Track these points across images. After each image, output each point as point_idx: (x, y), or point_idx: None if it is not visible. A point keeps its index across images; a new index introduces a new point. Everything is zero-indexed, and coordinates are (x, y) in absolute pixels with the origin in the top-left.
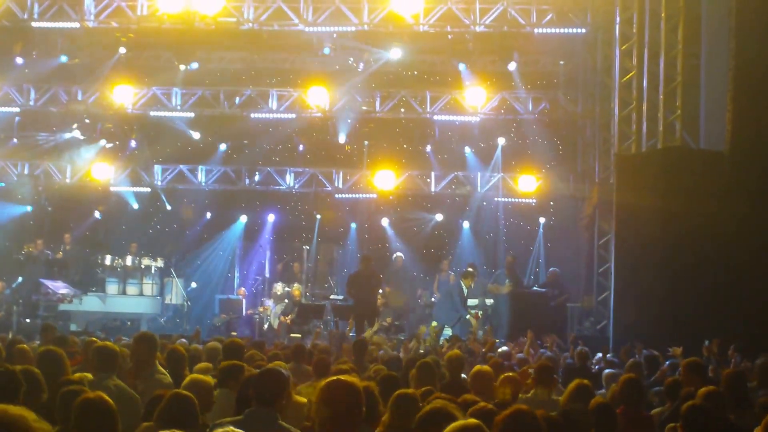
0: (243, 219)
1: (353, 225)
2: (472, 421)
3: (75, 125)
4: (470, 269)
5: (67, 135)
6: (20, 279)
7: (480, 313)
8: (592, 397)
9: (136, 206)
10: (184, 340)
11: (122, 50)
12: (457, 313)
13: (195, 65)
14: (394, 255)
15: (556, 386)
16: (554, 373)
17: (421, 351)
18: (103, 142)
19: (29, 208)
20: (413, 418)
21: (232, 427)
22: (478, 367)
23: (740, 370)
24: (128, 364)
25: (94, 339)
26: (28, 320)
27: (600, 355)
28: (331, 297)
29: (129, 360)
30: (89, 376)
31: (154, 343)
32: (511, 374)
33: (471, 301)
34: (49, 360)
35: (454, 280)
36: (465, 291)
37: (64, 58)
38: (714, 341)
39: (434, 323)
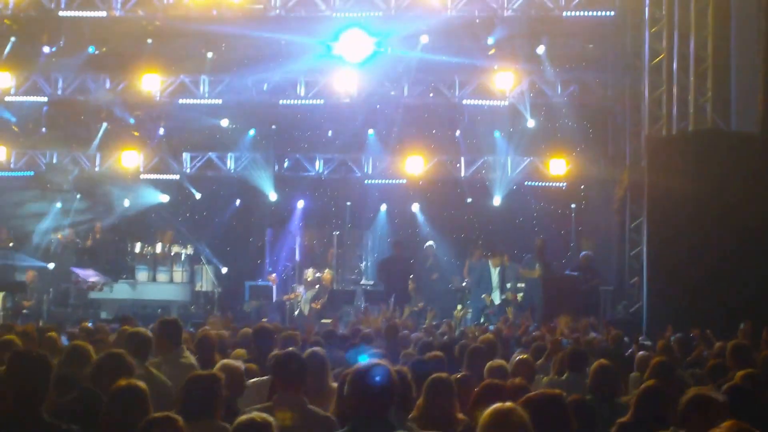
0: (273, 196)
1: (383, 211)
2: (510, 404)
3: (103, 116)
4: (498, 250)
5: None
6: (51, 266)
7: (520, 296)
8: (615, 378)
9: (165, 198)
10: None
11: (149, 41)
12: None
13: (222, 48)
14: (426, 244)
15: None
16: (587, 357)
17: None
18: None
19: (59, 204)
20: (449, 401)
21: (256, 412)
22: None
23: None
24: None
25: (127, 327)
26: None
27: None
28: (362, 282)
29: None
30: None
31: (178, 327)
32: (524, 356)
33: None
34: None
35: (484, 262)
36: (495, 272)
37: (91, 49)
38: (747, 323)
39: (459, 307)
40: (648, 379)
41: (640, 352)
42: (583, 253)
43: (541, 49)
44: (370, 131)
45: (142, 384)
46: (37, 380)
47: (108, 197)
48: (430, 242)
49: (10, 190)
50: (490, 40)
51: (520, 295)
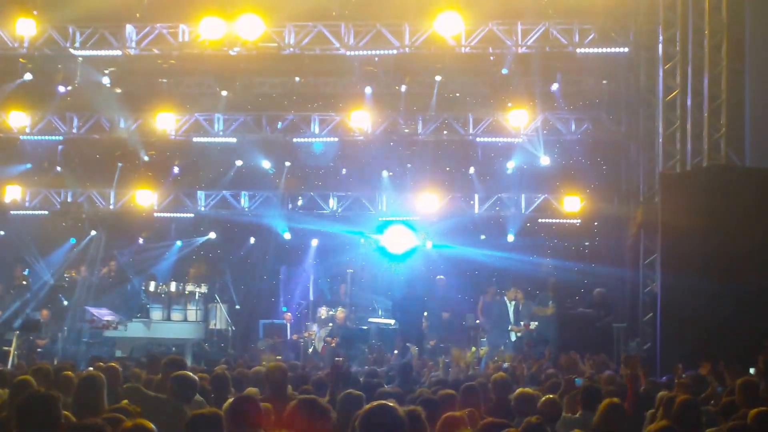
0: (287, 234)
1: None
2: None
3: (118, 154)
4: (514, 288)
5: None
6: (66, 303)
7: (531, 325)
8: (623, 416)
9: (179, 242)
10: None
11: (164, 79)
12: (505, 333)
13: (236, 86)
14: (437, 277)
15: None
16: (601, 395)
17: (470, 373)
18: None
19: (73, 242)
20: None
21: None
22: (521, 389)
23: None
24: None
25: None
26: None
27: None
28: (375, 320)
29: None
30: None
31: (182, 367)
32: (551, 396)
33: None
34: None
35: (498, 298)
36: (510, 308)
37: (105, 80)
38: (759, 358)
39: (473, 348)
40: (674, 417)
41: (661, 392)
42: (597, 290)
43: (554, 86)
44: (384, 173)
45: (149, 424)
46: (45, 421)
47: (122, 235)
48: (440, 276)
49: (24, 228)
50: (504, 71)
51: (532, 325)
